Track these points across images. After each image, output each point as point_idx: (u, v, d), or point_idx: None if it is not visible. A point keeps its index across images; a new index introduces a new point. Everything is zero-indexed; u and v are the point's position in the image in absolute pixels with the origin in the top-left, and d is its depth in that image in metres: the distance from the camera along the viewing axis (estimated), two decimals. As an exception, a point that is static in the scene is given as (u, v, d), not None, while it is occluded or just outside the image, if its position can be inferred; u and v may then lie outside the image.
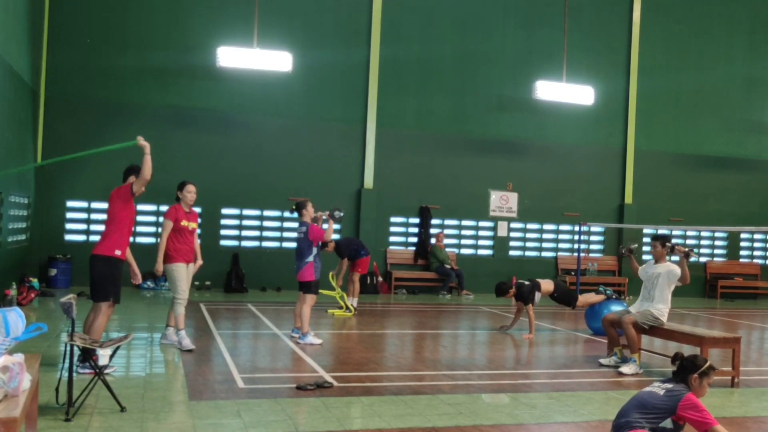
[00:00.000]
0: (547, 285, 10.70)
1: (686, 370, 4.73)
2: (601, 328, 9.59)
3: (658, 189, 18.45)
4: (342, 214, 9.48)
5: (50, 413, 5.20)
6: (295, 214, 9.37)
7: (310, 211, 9.22)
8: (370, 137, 16.18)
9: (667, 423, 4.54)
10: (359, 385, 6.77)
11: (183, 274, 8.05)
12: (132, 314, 10.80)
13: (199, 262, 8.47)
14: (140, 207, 14.68)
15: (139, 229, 14.89)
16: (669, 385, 4.66)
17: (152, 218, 15.06)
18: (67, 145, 13.92)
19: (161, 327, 9.71)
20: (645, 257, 17.99)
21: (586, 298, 10.62)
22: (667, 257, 8.24)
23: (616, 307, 9.59)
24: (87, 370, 6.32)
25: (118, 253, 6.88)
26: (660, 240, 8.26)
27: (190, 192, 8.22)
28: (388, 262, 16.43)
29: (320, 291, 9.21)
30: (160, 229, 14.96)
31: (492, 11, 17.14)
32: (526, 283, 10.63)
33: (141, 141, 6.89)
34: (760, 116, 19.31)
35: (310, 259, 8.99)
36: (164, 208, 15.00)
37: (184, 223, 8.11)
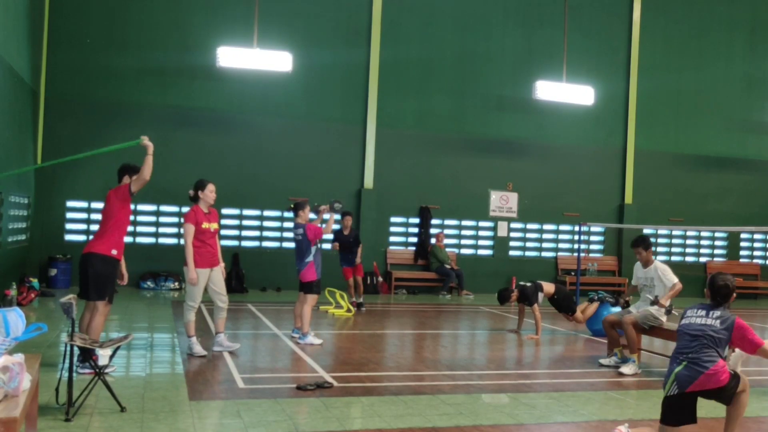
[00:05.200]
0: (548, 286, 10.69)
1: (730, 291, 5.08)
2: (600, 330, 9.61)
3: (658, 189, 18.45)
4: (341, 205, 9.51)
5: (50, 413, 5.20)
6: (292, 214, 9.37)
7: (306, 214, 9.20)
8: (370, 137, 16.18)
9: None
10: (359, 385, 6.77)
11: (200, 280, 7.76)
12: (132, 314, 10.80)
13: (221, 264, 8.02)
14: (140, 207, 14.76)
15: (139, 229, 14.91)
16: (717, 312, 5.03)
17: (152, 218, 15.06)
18: (67, 146, 13.94)
19: (161, 327, 9.73)
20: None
21: (583, 313, 10.47)
22: (654, 258, 8.29)
23: (615, 310, 9.57)
24: (87, 370, 6.32)
25: (114, 252, 6.84)
26: (642, 245, 8.21)
27: (212, 192, 7.88)
28: (388, 262, 16.43)
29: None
30: (160, 230, 15.18)
31: (492, 11, 17.14)
32: (529, 284, 10.62)
33: (145, 141, 6.81)
34: (760, 116, 19.32)
35: (310, 258, 9.02)
36: (165, 208, 15.10)
37: (205, 225, 7.75)
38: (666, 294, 8.01)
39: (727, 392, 4.98)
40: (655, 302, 7.97)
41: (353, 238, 12.61)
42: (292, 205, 9.41)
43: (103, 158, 11.97)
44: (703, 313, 5.10)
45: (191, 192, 7.86)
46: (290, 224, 15.72)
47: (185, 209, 14.99)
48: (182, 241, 14.96)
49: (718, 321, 4.98)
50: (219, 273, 7.97)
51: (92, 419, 5.19)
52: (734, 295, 5.12)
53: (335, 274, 13.97)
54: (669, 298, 8.01)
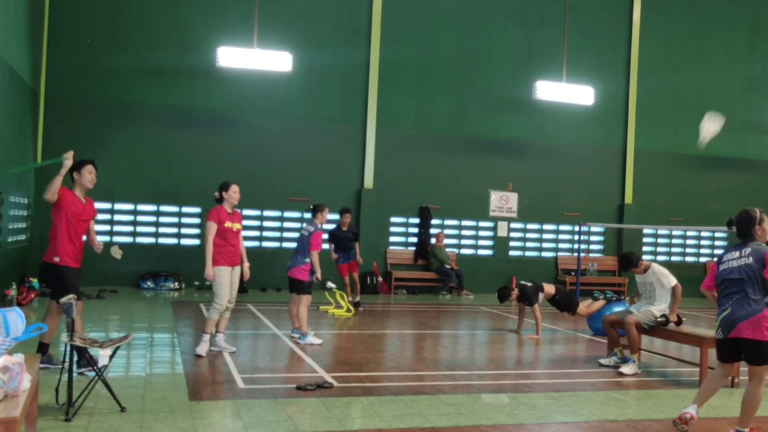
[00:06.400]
0: (548, 287, 10.70)
1: (748, 224, 5.23)
2: (602, 329, 9.59)
3: (658, 189, 18.45)
4: (332, 286, 10.82)
5: (50, 413, 5.20)
6: (310, 215, 9.48)
7: (324, 216, 9.34)
8: (370, 137, 16.18)
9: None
10: (359, 385, 6.77)
11: (225, 278, 7.85)
12: (132, 314, 10.80)
13: (246, 264, 8.17)
14: (140, 207, 14.75)
15: (139, 229, 14.88)
16: (748, 249, 5.20)
17: (152, 218, 15.02)
18: (67, 146, 13.79)
19: (161, 327, 9.72)
20: (646, 257, 18.01)
21: (588, 308, 10.56)
22: (652, 261, 8.35)
23: (618, 308, 9.57)
24: (87, 370, 6.32)
25: (56, 260, 6.70)
26: (630, 266, 8.18)
27: (236, 192, 8.00)
28: (388, 262, 16.42)
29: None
30: (160, 230, 15.16)
31: (492, 11, 17.14)
32: (529, 284, 10.63)
33: (68, 161, 6.68)
34: (760, 116, 19.31)
35: (308, 260, 9.06)
36: (164, 208, 15.07)
37: (228, 224, 7.85)
38: (671, 306, 8.03)
39: (763, 351, 5.11)
40: (667, 322, 7.95)
41: (352, 233, 12.55)
42: (311, 206, 9.58)
43: (104, 158, 11.99)
44: (737, 254, 5.27)
45: (216, 194, 8.02)
46: (290, 224, 15.80)
47: (185, 209, 15.06)
48: (182, 242, 15.15)
49: (751, 258, 5.15)
50: (238, 273, 8.10)
51: (92, 419, 5.19)
52: (758, 224, 5.23)
53: (336, 273, 13.95)
54: (676, 312, 8.01)
